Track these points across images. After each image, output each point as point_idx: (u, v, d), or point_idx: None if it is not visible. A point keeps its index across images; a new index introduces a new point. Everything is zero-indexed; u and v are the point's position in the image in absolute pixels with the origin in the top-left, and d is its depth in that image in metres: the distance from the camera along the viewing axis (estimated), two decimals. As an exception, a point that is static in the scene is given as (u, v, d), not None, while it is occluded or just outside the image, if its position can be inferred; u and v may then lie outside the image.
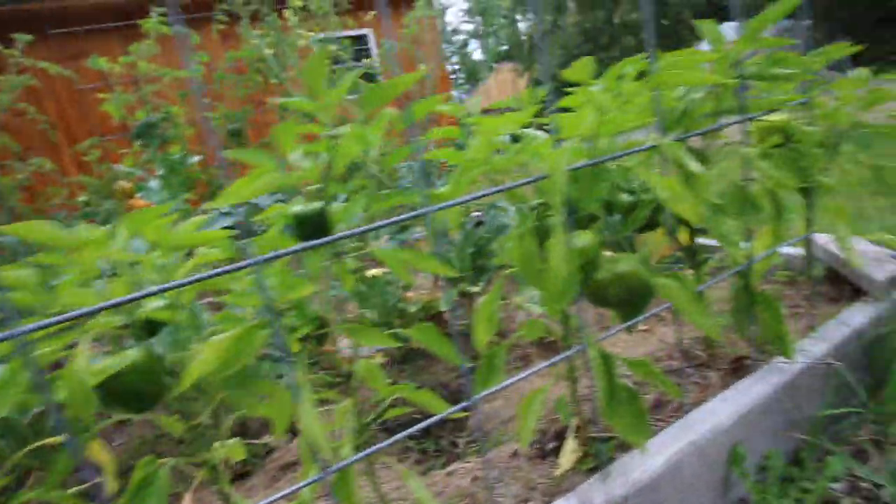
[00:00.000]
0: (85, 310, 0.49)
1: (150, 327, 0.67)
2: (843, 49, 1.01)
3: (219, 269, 0.49)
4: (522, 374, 0.74)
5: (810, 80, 0.94)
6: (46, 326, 0.43)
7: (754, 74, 0.76)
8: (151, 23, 2.42)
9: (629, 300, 0.76)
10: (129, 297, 0.50)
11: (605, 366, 0.68)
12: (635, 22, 15.24)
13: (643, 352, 1.27)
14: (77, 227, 0.59)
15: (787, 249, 1.48)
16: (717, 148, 0.90)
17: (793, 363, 0.91)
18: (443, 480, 1.02)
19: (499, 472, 0.97)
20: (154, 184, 1.67)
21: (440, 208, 0.57)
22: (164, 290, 0.49)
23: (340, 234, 0.51)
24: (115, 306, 0.50)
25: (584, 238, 0.68)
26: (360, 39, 8.51)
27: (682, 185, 0.61)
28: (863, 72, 1.08)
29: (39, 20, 5.08)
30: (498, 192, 0.60)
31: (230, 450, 0.89)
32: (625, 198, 0.86)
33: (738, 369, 1.00)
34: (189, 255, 0.63)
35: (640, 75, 0.71)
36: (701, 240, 1.66)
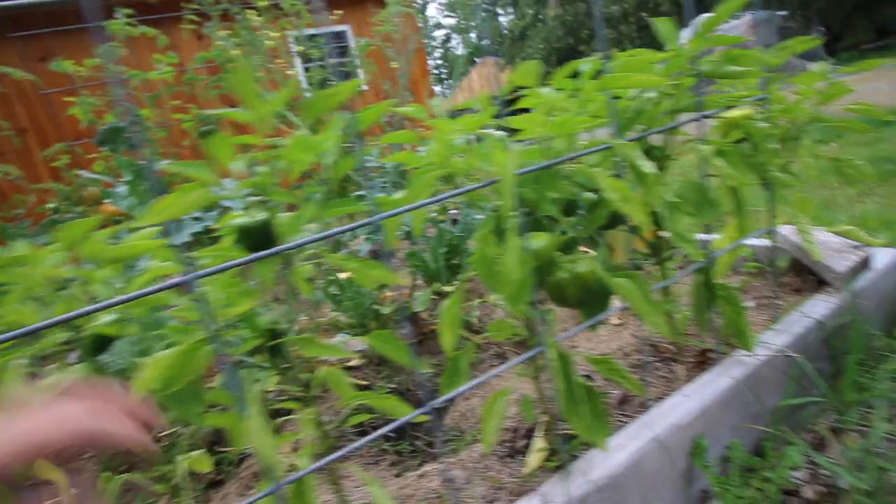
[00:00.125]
0: (24, 329, 0.48)
1: (100, 342, 0.66)
2: (805, 43, 1.03)
3: (154, 287, 0.48)
4: (483, 377, 0.74)
5: (768, 75, 0.95)
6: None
7: (710, 72, 0.76)
8: (118, 24, 2.36)
9: (588, 300, 0.76)
10: (66, 316, 0.48)
11: (563, 366, 0.68)
12: (614, 15, 15.31)
13: (615, 346, 1.28)
14: (15, 244, 0.57)
15: (757, 241, 1.50)
16: (678, 145, 0.91)
17: (754, 356, 0.93)
18: (415, 483, 1.02)
19: (469, 472, 0.97)
20: (121, 190, 1.64)
21: (391, 215, 0.56)
22: (99, 309, 0.48)
23: (284, 246, 0.50)
24: (54, 325, 0.48)
25: (540, 239, 0.68)
26: (339, 36, 8.42)
27: (632, 186, 0.61)
28: (822, 66, 1.10)
29: (5, 21, 4.93)
30: (449, 197, 0.60)
31: (194, 461, 0.88)
32: (589, 196, 0.86)
33: (703, 362, 1.01)
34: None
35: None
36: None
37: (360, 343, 1.54)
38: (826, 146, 3.36)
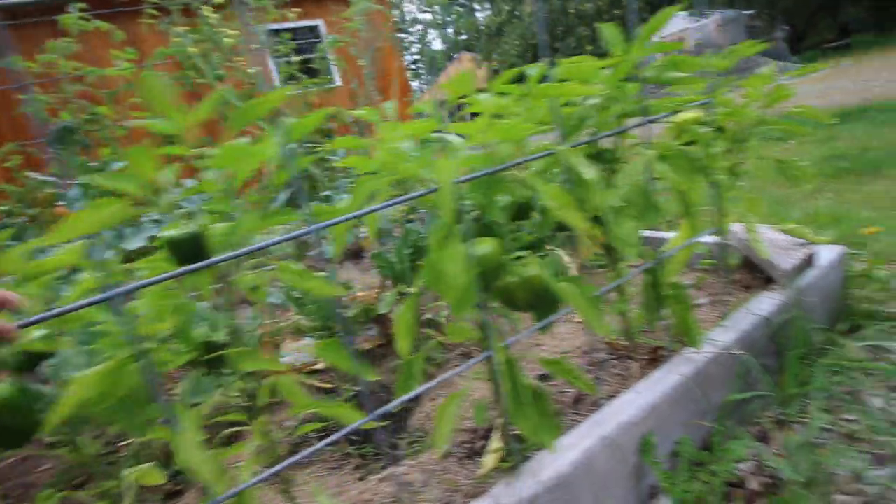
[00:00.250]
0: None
1: (32, 359, 0.64)
2: (752, 47, 1.05)
3: (76, 304, 0.46)
4: (432, 382, 0.74)
5: (713, 80, 0.98)
6: None
7: (653, 78, 0.78)
8: (71, 18, 2.27)
9: (537, 303, 0.77)
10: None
11: (509, 370, 0.69)
12: (588, 13, 15.48)
13: (577, 344, 1.30)
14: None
15: (713, 239, 1.54)
16: (628, 148, 0.93)
17: (703, 353, 0.96)
18: (374, 487, 1.02)
19: (427, 475, 0.97)
20: (74, 192, 1.58)
21: (325, 226, 0.56)
22: (24, 326, 0.46)
23: (213, 259, 0.49)
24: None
25: (486, 245, 0.68)
26: (313, 30, 8.27)
27: (570, 193, 0.62)
28: (769, 69, 1.13)
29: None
30: (389, 206, 0.60)
31: (142, 474, 0.86)
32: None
33: (656, 360, 1.04)
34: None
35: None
36: (648, 232, 1.72)
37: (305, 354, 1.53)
38: (784, 143, 3.48)
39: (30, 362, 0.62)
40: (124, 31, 2.53)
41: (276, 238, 0.50)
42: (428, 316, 1.64)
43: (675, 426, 0.92)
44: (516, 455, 0.80)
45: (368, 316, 1.60)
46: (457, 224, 0.65)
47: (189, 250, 0.52)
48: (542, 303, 0.77)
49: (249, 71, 2.06)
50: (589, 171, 0.63)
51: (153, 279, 0.45)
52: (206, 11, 1.98)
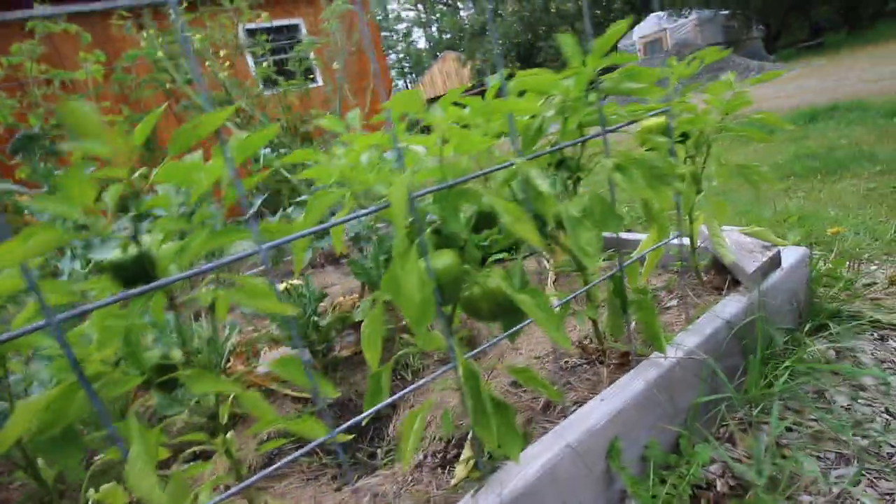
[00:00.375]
0: None
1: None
2: (714, 53, 1.07)
3: (13, 332, 0.45)
4: (398, 395, 0.74)
5: (664, 90, 0.99)
6: None
7: (609, 89, 0.79)
8: (37, 20, 2.21)
9: (501, 313, 0.77)
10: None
11: (471, 382, 0.69)
12: (570, 12, 15.59)
13: (549, 349, 1.31)
14: None
15: (685, 241, 1.56)
16: (591, 156, 0.93)
17: (669, 357, 0.97)
18: (349, 499, 1.02)
19: (399, 486, 0.97)
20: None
21: (276, 245, 0.55)
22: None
23: (155, 283, 0.48)
24: None
25: (445, 258, 0.68)
26: (293, 30, 8.18)
27: (528, 205, 0.62)
28: (729, 76, 1.15)
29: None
30: (342, 222, 0.59)
31: (104, 494, 0.84)
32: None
33: (624, 364, 1.05)
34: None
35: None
36: (625, 235, 1.74)
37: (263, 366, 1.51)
38: (757, 144, 3.55)
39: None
40: (95, 33, 2.47)
41: (220, 260, 0.49)
42: (405, 322, 1.64)
43: (643, 430, 0.94)
44: (483, 466, 0.81)
45: (345, 323, 1.59)
46: (414, 238, 0.65)
47: (132, 273, 0.51)
48: (505, 313, 0.77)
49: (221, 75, 2.02)
50: (544, 184, 0.63)
51: (88, 306, 0.44)
52: (172, 13, 1.94)
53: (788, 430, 1.02)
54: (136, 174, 0.47)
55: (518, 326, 0.81)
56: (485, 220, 0.84)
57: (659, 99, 1.01)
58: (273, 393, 1.54)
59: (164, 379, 0.58)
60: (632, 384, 0.93)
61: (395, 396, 0.78)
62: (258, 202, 1.96)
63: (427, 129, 0.75)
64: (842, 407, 1.07)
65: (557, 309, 1.04)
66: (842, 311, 1.35)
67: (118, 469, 1.18)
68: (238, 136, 0.60)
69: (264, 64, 2.99)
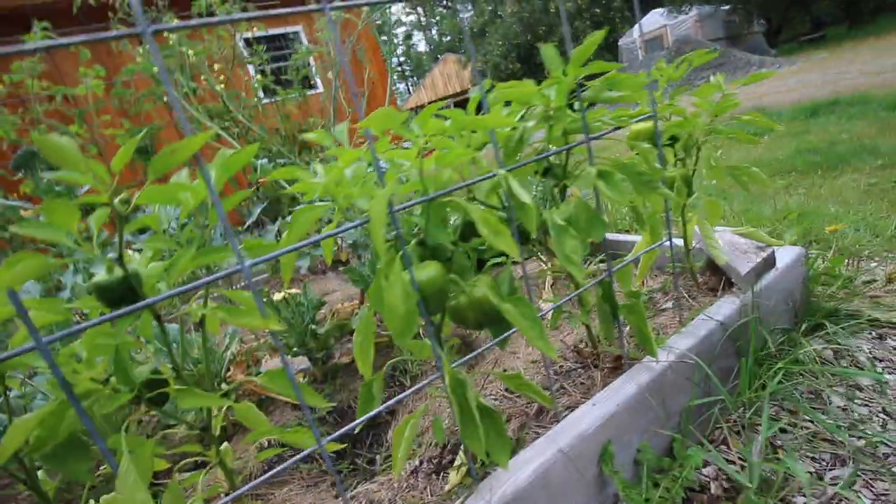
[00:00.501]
0: None
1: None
2: (703, 56, 1.07)
3: (4, 354, 0.46)
4: (390, 402, 0.75)
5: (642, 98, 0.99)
6: None
7: (590, 97, 0.79)
8: (34, 37, 2.24)
9: (487, 322, 0.78)
10: None
11: (458, 391, 0.70)
12: (569, 11, 15.57)
13: (541, 354, 1.31)
14: None
15: (679, 242, 1.56)
16: (578, 163, 0.94)
17: (662, 360, 0.97)
18: (345, 506, 1.03)
19: (394, 492, 0.98)
20: (42, 217, 1.57)
21: (258, 262, 0.56)
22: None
23: (140, 303, 0.49)
24: None
25: (429, 270, 0.69)
26: (291, 38, 8.23)
27: (511, 215, 0.63)
28: (717, 78, 1.15)
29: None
30: (321, 239, 0.60)
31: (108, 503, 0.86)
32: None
33: (617, 368, 1.05)
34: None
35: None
36: (622, 237, 1.74)
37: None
38: (758, 140, 3.54)
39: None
40: (94, 49, 2.51)
41: (205, 279, 0.50)
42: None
43: (635, 435, 0.94)
44: (475, 472, 0.81)
45: (343, 330, 1.61)
46: (397, 251, 0.66)
47: (118, 293, 0.52)
48: (492, 321, 0.78)
49: (218, 87, 2.05)
50: (525, 196, 0.64)
51: (76, 328, 0.46)
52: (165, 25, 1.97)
53: (783, 431, 1.02)
54: (118, 199, 0.48)
55: (506, 334, 0.82)
56: (471, 228, 0.85)
57: (648, 103, 1.02)
58: (273, 401, 1.56)
59: (154, 394, 0.60)
60: (624, 388, 0.93)
61: (387, 404, 0.79)
62: (257, 211, 1.98)
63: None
64: (838, 407, 1.07)
65: (550, 314, 1.05)
66: (840, 310, 1.34)
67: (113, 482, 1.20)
68: (223, 154, 0.62)
69: (258, 76, 3.02)
